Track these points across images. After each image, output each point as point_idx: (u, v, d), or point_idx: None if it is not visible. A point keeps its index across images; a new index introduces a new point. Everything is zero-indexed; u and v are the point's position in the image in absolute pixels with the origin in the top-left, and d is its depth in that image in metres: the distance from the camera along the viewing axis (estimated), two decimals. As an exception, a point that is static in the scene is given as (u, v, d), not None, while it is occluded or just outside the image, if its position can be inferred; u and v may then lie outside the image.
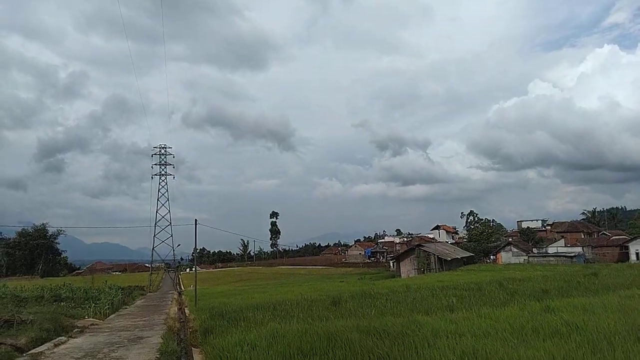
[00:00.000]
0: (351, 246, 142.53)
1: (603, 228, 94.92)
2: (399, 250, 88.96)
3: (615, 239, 73.28)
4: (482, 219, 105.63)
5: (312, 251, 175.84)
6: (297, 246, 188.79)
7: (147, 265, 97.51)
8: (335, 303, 16.40)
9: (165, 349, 11.44)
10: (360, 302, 16.96)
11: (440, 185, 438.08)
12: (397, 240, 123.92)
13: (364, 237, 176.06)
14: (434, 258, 64.65)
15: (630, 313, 10.59)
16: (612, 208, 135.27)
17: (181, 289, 56.11)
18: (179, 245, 75.25)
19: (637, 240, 64.51)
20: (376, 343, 8.08)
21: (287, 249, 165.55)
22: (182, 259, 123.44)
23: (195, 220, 30.91)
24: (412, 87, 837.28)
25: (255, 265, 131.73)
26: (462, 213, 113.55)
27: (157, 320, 19.33)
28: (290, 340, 8.71)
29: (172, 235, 72.53)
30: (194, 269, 47.83)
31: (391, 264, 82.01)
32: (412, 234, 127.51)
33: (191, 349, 12.08)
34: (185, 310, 24.95)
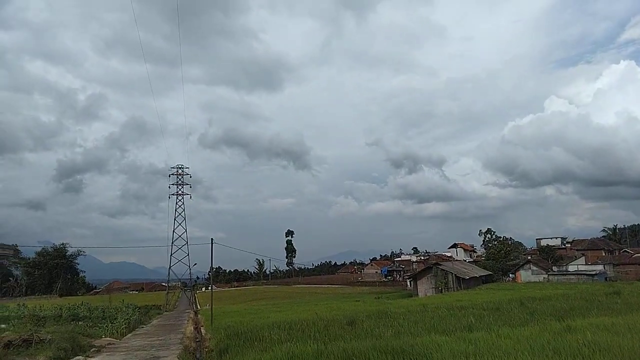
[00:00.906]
0: (367, 265, 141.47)
1: (625, 245, 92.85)
2: (416, 268, 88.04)
3: (638, 256, 71.56)
4: (500, 237, 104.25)
5: (327, 270, 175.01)
6: (312, 265, 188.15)
7: (163, 284, 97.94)
8: (351, 323, 16.23)
9: (181, 368, 11.44)
10: (376, 322, 16.76)
11: (456, 202, 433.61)
12: (414, 258, 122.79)
13: (380, 255, 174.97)
14: (452, 277, 63.80)
15: (656, 333, 10.29)
16: (634, 225, 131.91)
17: (197, 307, 56.14)
18: (195, 264, 75.71)
19: (661, 257, 62.91)
20: (394, 364, 7.97)
21: (302, 267, 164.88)
22: (198, 277, 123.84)
23: (212, 239, 31.08)
24: (426, 106, 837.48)
25: (270, 284, 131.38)
26: (480, 231, 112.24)
27: (174, 340, 19.34)
28: (306, 361, 8.64)
29: (188, 254, 73.05)
30: (210, 287, 47.87)
31: (408, 283, 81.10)
32: (429, 252, 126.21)
33: (207, 369, 12.05)
34: (202, 330, 24.93)
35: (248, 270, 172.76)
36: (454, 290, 59.69)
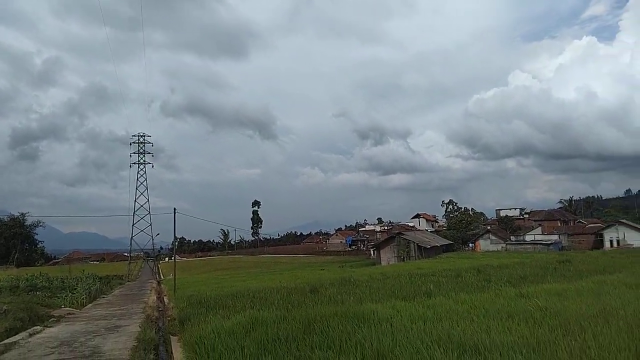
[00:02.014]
0: (332, 235, 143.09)
1: (579, 216, 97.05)
2: (379, 238, 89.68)
3: (591, 227, 75.02)
4: (461, 208, 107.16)
5: (293, 240, 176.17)
6: (278, 235, 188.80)
7: (125, 254, 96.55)
8: (314, 290, 16.46)
9: (143, 337, 11.36)
10: (339, 289, 17.05)
11: (421, 174, 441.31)
12: (378, 228, 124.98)
13: (346, 225, 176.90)
14: (414, 246, 65.34)
15: (601, 297, 10.86)
16: (589, 197, 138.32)
17: (160, 278, 55.79)
18: (158, 234, 74.88)
19: (611, 228, 66.15)
20: (354, 328, 8.14)
21: (268, 237, 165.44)
22: (161, 248, 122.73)
23: (175, 209, 30.66)
24: (394, 78, 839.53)
25: (236, 254, 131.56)
26: (442, 202, 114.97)
27: (136, 309, 19.18)
28: (268, 327, 8.72)
29: (151, 225, 72.07)
30: (173, 257, 47.53)
31: (372, 252, 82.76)
32: (392, 223, 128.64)
33: (169, 337, 12.01)
34: (164, 299, 24.82)
35: (213, 240, 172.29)
36: (415, 259, 61.25)
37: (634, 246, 55.34)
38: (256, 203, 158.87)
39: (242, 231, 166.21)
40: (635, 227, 64.87)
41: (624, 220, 69.70)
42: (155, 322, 15.12)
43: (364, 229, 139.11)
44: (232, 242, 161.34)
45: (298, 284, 21.32)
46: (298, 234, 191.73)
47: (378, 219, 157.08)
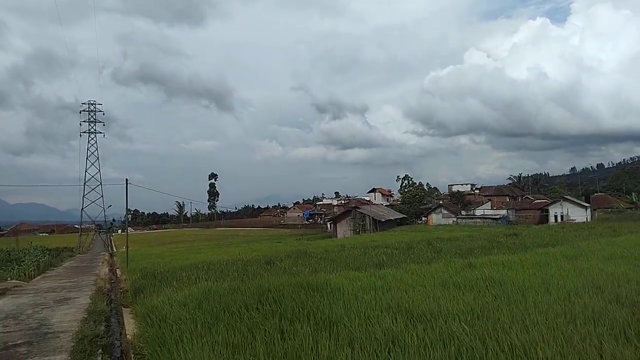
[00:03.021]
0: (290, 208, 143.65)
1: (527, 192, 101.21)
2: (336, 212, 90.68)
3: (537, 202, 78.47)
4: (415, 183, 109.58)
5: (251, 213, 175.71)
6: (235, 208, 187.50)
7: (76, 226, 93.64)
8: (269, 262, 16.55)
9: (93, 309, 11.15)
10: (295, 261, 17.21)
11: (378, 149, 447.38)
12: (335, 202, 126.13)
13: (304, 199, 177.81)
14: (369, 219, 66.60)
15: (543, 268, 11.44)
16: (536, 174, 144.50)
17: (113, 250, 54.59)
18: (110, 206, 72.99)
19: (556, 203, 69.45)
20: (307, 297, 8.26)
21: (225, 211, 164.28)
22: (114, 220, 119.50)
23: (127, 179, 29.98)
24: (354, 52, 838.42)
25: (191, 227, 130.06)
26: (397, 177, 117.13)
27: (87, 282, 18.74)
28: (222, 298, 8.72)
29: (102, 196, 70.10)
30: (126, 230, 46.52)
31: (328, 226, 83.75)
32: (349, 197, 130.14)
33: (121, 309, 11.85)
34: (117, 271, 24.38)
35: (168, 213, 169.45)
36: (370, 232, 62.50)
37: (576, 221, 58.40)
38: (213, 176, 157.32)
39: (198, 204, 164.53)
40: (578, 203, 68.39)
41: (568, 197, 73.32)
42: (107, 294, 14.88)
43: (321, 202, 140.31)
44: (188, 215, 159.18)
45: (254, 257, 21.36)
46: (256, 207, 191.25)
47: (335, 192, 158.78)
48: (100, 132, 72.81)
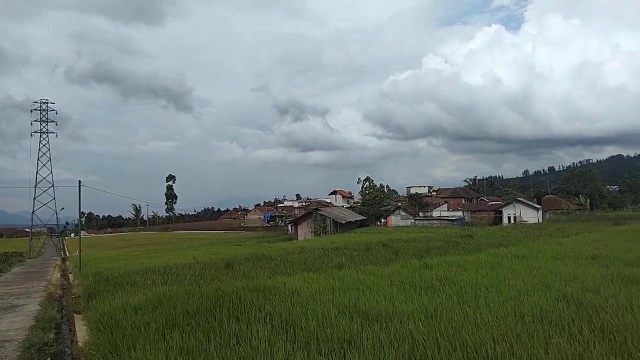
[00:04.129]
0: (251, 210, 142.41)
1: (482, 194, 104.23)
2: (297, 214, 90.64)
3: (492, 204, 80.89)
4: (376, 185, 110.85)
5: (210, 216, 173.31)
6: (194, 211, 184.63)
7: (27, 230, 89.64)
8: (228, 266, 16.33)
9: (43, 316, 10.72)
10: (254, 264, 17.06)
11: (339, 152, 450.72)
12: (296, 204, 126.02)
13: (264, 201, 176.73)
14: (330, 221, 66.87)
15: (496, 268, 11.81)
16: (491, 176, 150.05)
17: (65, 254, 52.58)
18: (63, 208, 70.24)
19: (510, 205, 71.81)
20: (265, 300, 8.21)
21: (184, 214, 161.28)
22: (67, 223, 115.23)
23: (79, 181, 29.00)
24: (314, 54, 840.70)
25: (149, 231, 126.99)
26: (359, 179, 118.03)
27: (37, 288, 18.02)
28: (177, 302, 8.55)
29: (54, 198, 67.34)
30: (79, 233, 44.93)
31: (289, 228, 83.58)
32: (310, 199, 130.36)
33: (73, 315, 11.44)
34: (69, 277, 23.54)
35: (123, 216, 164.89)
36: (331, 234, 62.76)
37: (528, 222, 60.49)
38: (171, 177, 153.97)
39: (155, 207, 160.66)
40: (530, 205, 70.94)
41: (520, 199, 75.94)
42: (58, 301, 14.41)
43: (282, 204, 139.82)
44: (145, 218, 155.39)
45: (212, 260, 21.04)
46: (215, 209, 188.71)
47: (297, 195, 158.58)
48: (53, 132, 69.98)
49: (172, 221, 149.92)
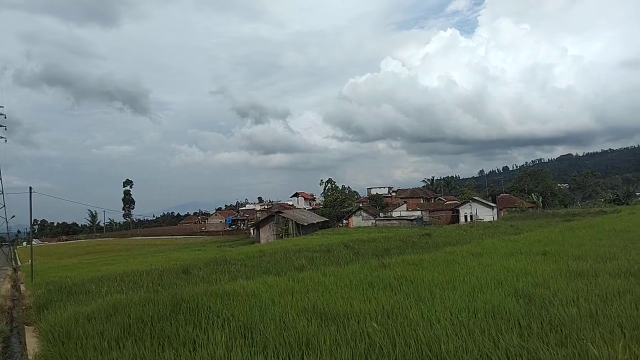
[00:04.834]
0: (212, 215, 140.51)
1: (440, 194, 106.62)
2: (259, 217, 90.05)
3: (449, 203, 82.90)
4: (338, 187, 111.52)
5: (170, 221, 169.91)
6: (153, 216, 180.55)
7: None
8: (186, 271, 16.08)
9: (-10, 329, 10.24)
10: (214, 269, 16.86)
11: (300, 154, 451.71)
12: (258, 207, 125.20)
13: (226, 205, 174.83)
14: (292, 224, 66.81)
15: (451, 266, 12.09)
16: (448, 176, 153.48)
17: (17, 264, 50.31)
18: (14, 216, 67.57)
19: (466, 204, 73.79)
20: (223, 305, 8.13)
21: (142, 219, 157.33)
22: (18, 232, 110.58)
23: (30, 188, 27.77)
24: (274, 56, 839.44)
25: (105, 237, 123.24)
26: (321, 180, 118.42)
27: (-17, 301, 17.13)
28: (132, 310, 8.35)
29: (4, 206, 64.73)
30: (30, 241, 43.15)
31: (251, 231, 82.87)
32: (272, 202, 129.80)
33: (23, 327, 10.98)
34: (21, 287, 22.56)
35: (79, 223, 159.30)
36: (294, 236, 62.69)
37: (484, 220, 62.30)
38: (128, 182, 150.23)
39: (112, 212, 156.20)
40: (486, 204, 73.13)
41: (476, 198, 78.17)
42: (8, 313, 13.80)
43: (244, 208, 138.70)
44: (101, 225, 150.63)
45: (171, 266, 20.67)
46: (175, 214, 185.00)
47: (259, 198, 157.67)
48: (2, 138, 67.11)
49: (130, 227, 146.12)
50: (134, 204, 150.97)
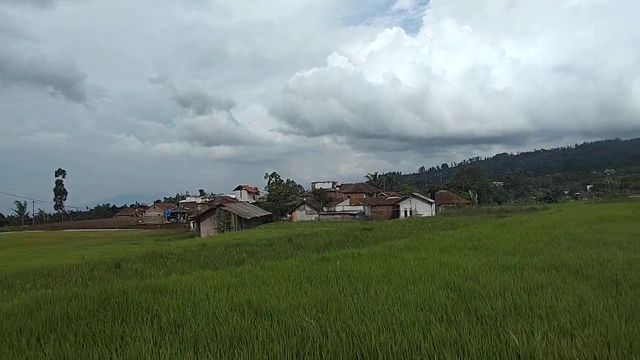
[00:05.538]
0: (150, 207, 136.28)
1: (382, 190, 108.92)
2: (200, 210, 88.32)
3: (390, 199, 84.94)
4: (283, 180, 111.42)
5: (105, 213, 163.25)
6: (87, 208, 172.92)
7: None
8: (118, 265, 15.45)
9: None
10: (149, 263, 16.29)
11: (245, 147, 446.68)
12: (199, 200, 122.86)
13: (165, 197, 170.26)
14: (235, 217, 66.07)
15: (388, 259, 12.36)
16: (390, 172, 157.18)
17: None
18: None
19: (406, 200, 75.84)
20: (154, 300, 7.87)
21: (75, 211, 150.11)
22: None
23: (-53, 176, 25.74)
24: (219, 45, 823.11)
25: (34, 230, 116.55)
26: (266, 174, 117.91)
27: None
28: (56, 306, 7.91)
29: None
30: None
31: (192, 225, 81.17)
32: (214, 195, 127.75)
33: None
34: None
35: (4, 214, 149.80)
36: (236, 230, 62.00)
37: (423, 215, 64.29)
38: (61, 172, 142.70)
39: (42, 203, 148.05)
40: (425, 200, 75.42)
41: (416, 194, 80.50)
42: None
43: (184, 201, 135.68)
44: (30, 216, 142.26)
45: (104, 260, 19.81)
46: (111, 207, 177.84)
47: (200, 190, 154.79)
48: None
49: (62, 219, 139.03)
50: (66, 194, 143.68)
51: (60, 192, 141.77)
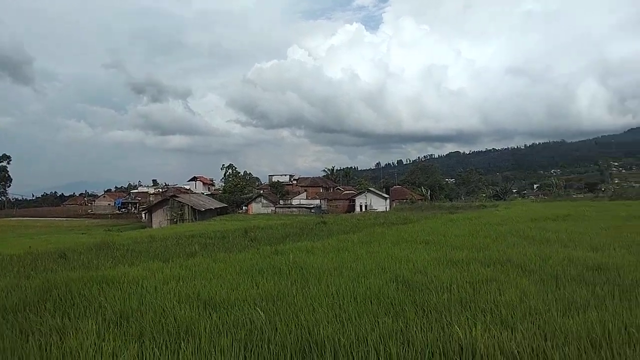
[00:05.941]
0: (100, 196, 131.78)
1: (339, 184, 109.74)
2: (152, 201, 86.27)
3: (346, 193, 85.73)
4: (240, 172, 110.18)
5: (52, 202, 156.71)
6: (33, 196, 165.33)
7: None
8: (63, 256, 14.87)
9: None
10: (96, 254, 15.73)
11: (201, 137, 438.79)
12: (151, 191, 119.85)
13: (116, 187, 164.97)
14: (188, 209, 64.98)
15: (341, 253, 12.50)
16: (347, 167, 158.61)
17: None
18: None
19: (362, 195, 76.73)
20: (99, 292, 7.64)
21: (20, 198, 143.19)
22: None
23: None
24: (177, 33, 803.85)
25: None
26: (223, 165, 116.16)
27: None
28: (-7, 298, 7.56)
29: None
30: None
31: (143, 215, 79.22)
32: (168, 185, 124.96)
33: None
34: None
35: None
36: (189, 222, 60.96)
37: (377, 210, 65.21)
38: (5, 157, 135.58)
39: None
40: (380, 195, 76.57)
41: (371, 189, 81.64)
42: None
43: (136, 191, 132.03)
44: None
45: (49, 250, 19.01)
46: (58, 195, 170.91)
47: (153, 180, 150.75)
48: None
49: (5, 207, 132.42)
50: (10, 181, 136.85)
51: (4, 178, 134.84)
